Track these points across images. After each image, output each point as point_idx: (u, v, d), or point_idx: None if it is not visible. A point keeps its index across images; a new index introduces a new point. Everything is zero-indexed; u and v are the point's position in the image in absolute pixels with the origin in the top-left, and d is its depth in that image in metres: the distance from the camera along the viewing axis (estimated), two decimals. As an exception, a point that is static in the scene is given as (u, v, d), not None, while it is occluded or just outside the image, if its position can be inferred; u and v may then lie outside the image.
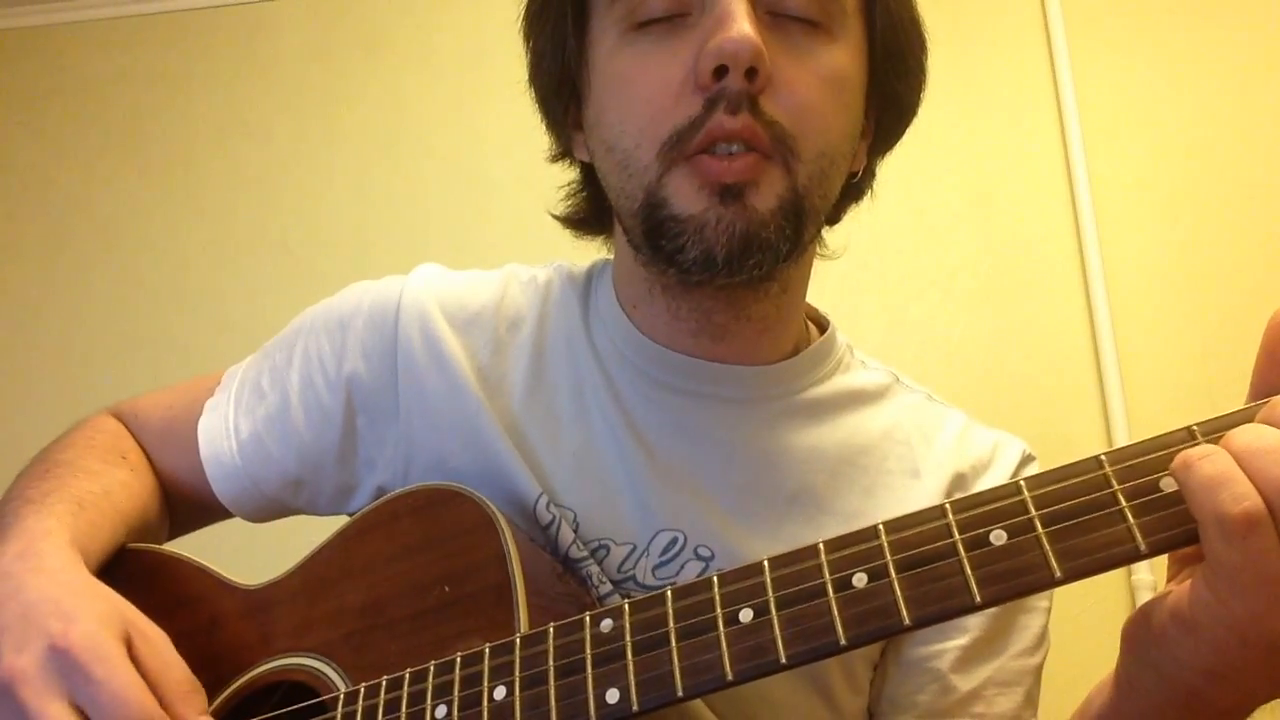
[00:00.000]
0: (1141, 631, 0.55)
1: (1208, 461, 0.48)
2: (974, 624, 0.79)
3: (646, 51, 0.74)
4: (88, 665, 0.63)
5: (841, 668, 0.79)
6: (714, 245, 0.71)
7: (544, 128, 0.88)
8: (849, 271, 1.92)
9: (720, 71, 0.70)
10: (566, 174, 0.91)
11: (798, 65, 0.72)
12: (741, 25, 0.69)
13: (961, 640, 0.79)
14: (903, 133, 0.86)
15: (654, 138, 0.73)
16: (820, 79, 0.73)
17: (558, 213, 0.92)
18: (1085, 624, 1.65)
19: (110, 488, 0.83)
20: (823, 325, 0.91)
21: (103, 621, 0.66)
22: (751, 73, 0.70)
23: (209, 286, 2.18)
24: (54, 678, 0.63)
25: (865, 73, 0.78)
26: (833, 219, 0.88)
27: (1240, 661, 0.50)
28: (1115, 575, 1.77)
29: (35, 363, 2.18)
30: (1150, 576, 1.72)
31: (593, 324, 0.87)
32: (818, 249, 0.88)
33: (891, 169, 0.89)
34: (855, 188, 0.86)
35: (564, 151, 0.88)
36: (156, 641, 0.69)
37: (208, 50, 2.30)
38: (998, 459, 0.84)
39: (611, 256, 0.90)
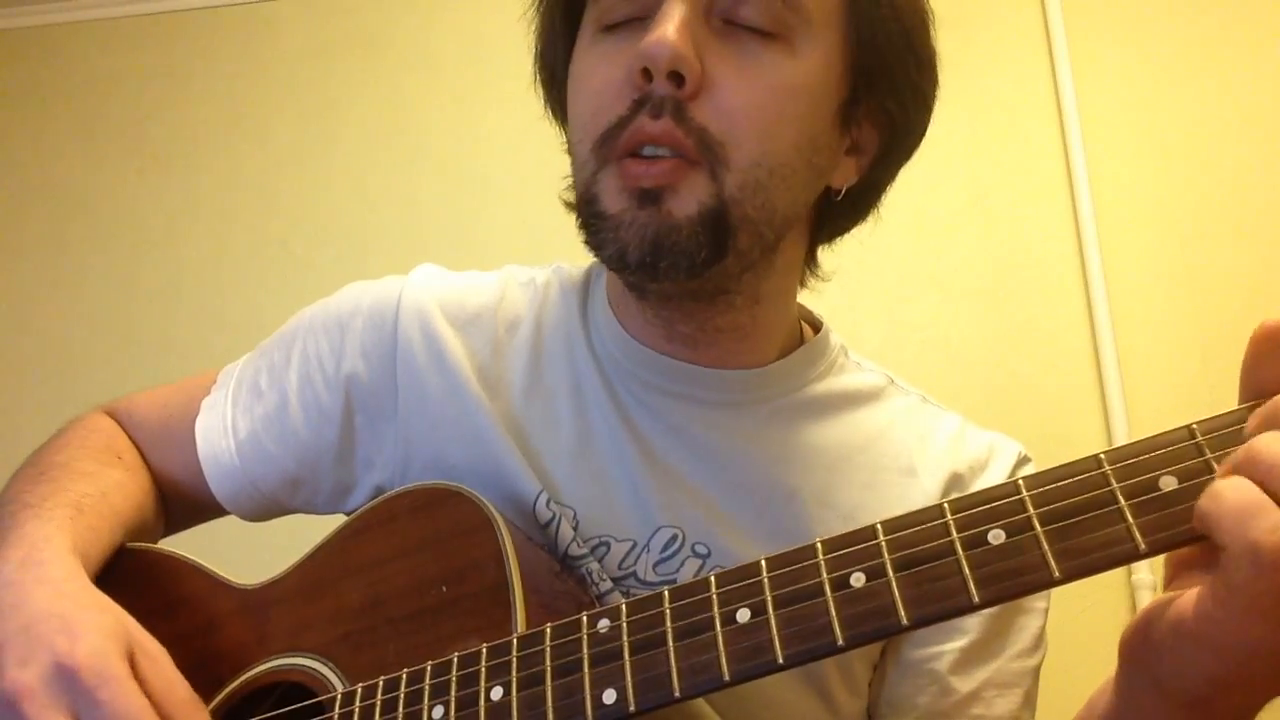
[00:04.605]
0: (1140, 642, 0.54)
1: (1235, 490, 0.47)
2: (972, 625, 0.79)
3: (603, 52, 0.75)
4: (93, 686, 0.63)
5: (839, 669, 0.79)
6: (627, 246, 0.72)
7: (551, 120, 0.88)
8: (849, 271, 1.91)
9: (648, 74, 0.71)
10: (566, 173, 0.91)
11: (740, 73, 0.72)
12: (665, 29, 0.70)
13: (960, 642, 0.79)
14: (905, 153, 0.85)
15: (592, 133, 0.74)
16: (765, 87, 0.73)
17: (567, 198, 0.92)
18: (1085, 624, 1.64)
19: (106, 489, 0.83)
20: (816, 327, 0.91)
21: (107, 638, 0.66)
22: (677, 77, 0.70)
23: (208, 286, 2.18)
24: (59, 695, 0.63)
25: (841, 87, 0.77)
26: (828, 237, 0.88)
27: (1247, 670, 0.49)
28: (1115, 576, 1.76)
29: (34, 362, 2.18)
30: (1150, 576, 1.72)
31: (589, 325, 0.87)
32: (809, 270, 0.88)
33: (891, 169, 0.89)
34: (850, 205, 0.85)
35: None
36: (158, 657, 0.68)
37: (208, 50, 2.30)
38: (994, 460, 0.84)
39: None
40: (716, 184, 0.72)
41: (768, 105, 0.73)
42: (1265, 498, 0.46)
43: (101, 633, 0.66)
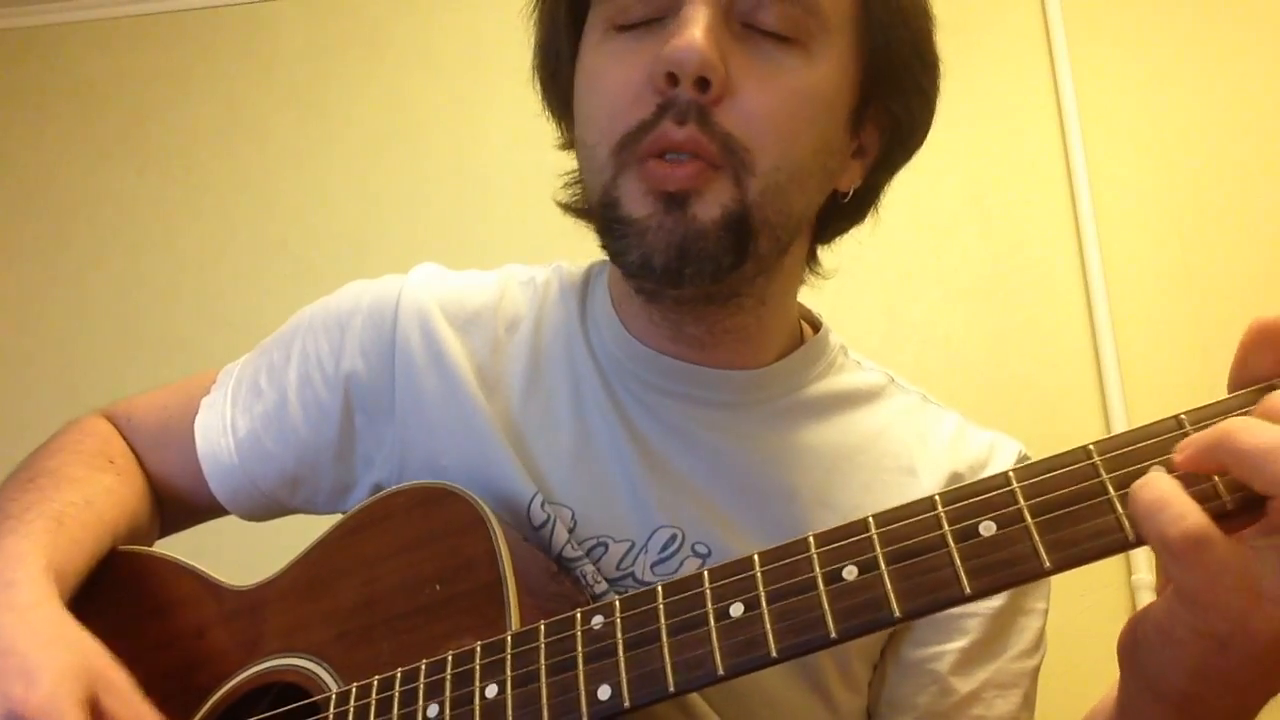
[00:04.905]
0: (1132, 645, 0.55)
1: (1145, 488, 0.47)
2: (973, 626, 0.79)
3: (618, 52, 0.74)
4: None
5: (838, 666, 0.79)
6: (653, 252, 0.72)
7: (548, 116, 0.88)
8: (849, 271, 1.91)
9: (673, 78, 0.70)
10: (566, 170, 0.91)
11: (761, 78, 0.72)
12: (693, 33, 0.69)
13: (960, 642, 0.79)
14: (907, 155, 0.85)
15: (611, 136, 0.73)
16: (786, 92, 0.72)
17: (561, 199, 0.92)
18: (1085, 625, 1.64)
19: (93, 496, 0.82)
20: (816, 326, 0.91)
21: (65, 680, 0.64)
22: (703, 83, 0.69)
23: (209, 286, 2.18)
24: None
25: (853, 91, 0.77)
26: (828, 238, 0.88)
27: (1224, 664, 0.50)
28: (1116, 576, 1.77)
29: (35, 363, 2.18)
30: (1149, 576, 1.71)
31: (589, 324, 0.87)
32: (810, 269, 0.88)
33: (892, 169, 0.89)
34: (852, 208, 0.85)
35: (570, 141, 0.88)
36: (124, 691, 0.68)
37: (208, 50, 2.30)
38: (994, 459, 0.84)
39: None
40: (740, 189, 0.71)
41: (788, 110, 0.72)
42: (1173, 491, 0.47)
43: (60, 675, 0.65)
